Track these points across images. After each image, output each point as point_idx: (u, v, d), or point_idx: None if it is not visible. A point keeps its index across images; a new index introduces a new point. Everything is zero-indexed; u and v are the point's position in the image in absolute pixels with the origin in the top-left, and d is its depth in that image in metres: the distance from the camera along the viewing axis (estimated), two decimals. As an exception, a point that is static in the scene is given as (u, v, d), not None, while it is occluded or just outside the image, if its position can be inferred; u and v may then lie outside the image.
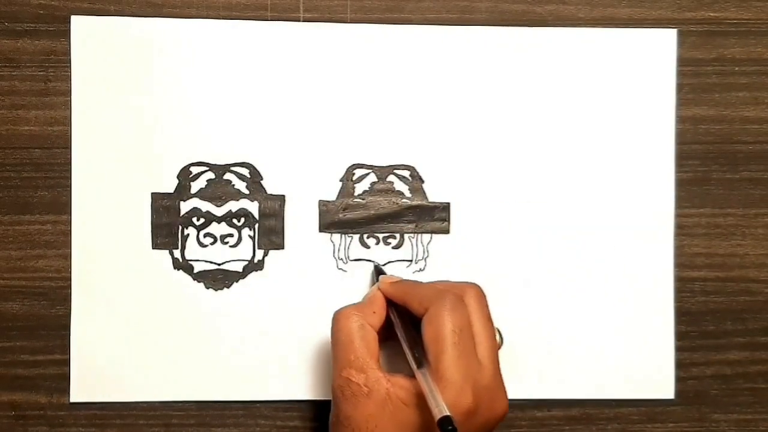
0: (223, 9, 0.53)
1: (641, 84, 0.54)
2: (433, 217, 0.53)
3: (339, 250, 0.53)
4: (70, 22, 0.52)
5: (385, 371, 0.46)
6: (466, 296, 0.47)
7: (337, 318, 0.47)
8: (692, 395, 0.54)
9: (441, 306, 0.45)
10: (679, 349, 0.54)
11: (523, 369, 0.53)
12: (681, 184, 0.54)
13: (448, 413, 0.41)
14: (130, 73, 0.52)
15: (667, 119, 0.54)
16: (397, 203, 0.54)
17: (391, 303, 0.49)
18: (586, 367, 0.54)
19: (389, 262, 0.53)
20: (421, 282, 0.50)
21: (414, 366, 0.45)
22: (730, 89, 0.54)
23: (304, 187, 0.53)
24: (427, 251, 0.53)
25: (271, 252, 0.53)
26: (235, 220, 0.53)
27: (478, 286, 0.48)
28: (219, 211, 0.53)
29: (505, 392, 0.47)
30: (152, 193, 0.53)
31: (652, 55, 0.54)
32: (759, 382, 0.55)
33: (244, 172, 0.53)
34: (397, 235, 0.53)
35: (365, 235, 0.53)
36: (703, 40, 0.54)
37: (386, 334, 0.48)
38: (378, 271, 0.52)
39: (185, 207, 0.53)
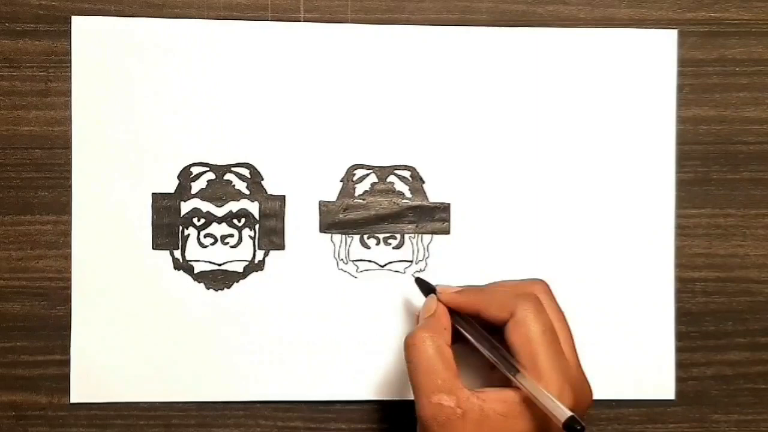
0: (223, 9, 0.53)
1: (642, 85, 0.54)
2: (433, 217, 0.53)
3: (339, 250, 0.53)
4: (70, 22, 0.52)
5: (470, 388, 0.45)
6: (540, 295, 0.47)
7: (412, 344, 0.46)
8: (693, 396, 0.54)
9: (526, 310, 0.45)
10: (679, 350, 0.54)
11: (523, 369, 0.53)
12: (681, 185, 0.54)
13: (571, 413, 0.41)
14: (130, 73, 0.52)
15: (667, 120, 0.54)
16: (398, 204, 0.54)
17: (452, 313, 0.48)
18: (586, 367, 0.54)
19: (389, 263, 0.53)
20: (484, 287, 0.49)
21: (509, 374, 0.44)
22: (731, 90, 0.54)
23: (304, 188, 0.53)
24: (428, 252, 0.53)
25: (272, 252, 0.53)
26: (235, 221, 0.53)
27: (545, 282, 0.48)
28: (219, 212, 0.53)
29: (588, 382, 0.47)
30: (152, 194, 0.53)
31: (653, 55, 0.54)
32: (759, 383, 0.55)
33: (245, 172, 0.53)
34: (398, 236, 0.53)
35: (366, 236, 0.53)
36: (703, 40, 0.54)
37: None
38: (421, 283, 0.51)
39: (186, 207, 0.53)
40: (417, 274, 0.53)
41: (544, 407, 0.42)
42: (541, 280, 0.49)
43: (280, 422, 0.53)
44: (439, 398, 0.44)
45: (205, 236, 0.53)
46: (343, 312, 0.53)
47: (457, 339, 0.47)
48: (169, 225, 0.53)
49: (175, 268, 0.53)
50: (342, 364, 0.53)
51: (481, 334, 0.47)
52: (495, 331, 0.47)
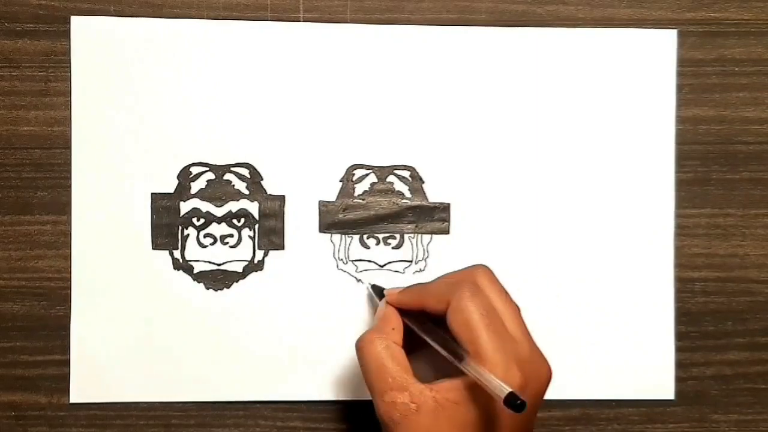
0: (223, 9, 0.53)
1: (641, 84, 0.54)
2: (433, 217, 0.53)
3: (339, 250, 0.53)
4: (69, 22, 0.52)
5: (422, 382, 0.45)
6: (478, 280, 0.47)
7: (361, 346, 0.47)
8: (692, 396, 0.54)
9: (461, 295, 0.45)
10: (679, 350, 0.54)
11: (523, 369, 0.53)
12: (681, 185, 0.54)
13: (511, 389, 0.41)
14: (130, 73, 0.52)
15: (667, 120, 0.54)
16: (397, 204, 0.54)
17: (403, 313, 0.48)
18: (586, 367, 0.54)
19: (389, 263, 0.53)
20: (427, 282, 0.50)
21: (456, 361, 0.44)
22: (731, 90, 0.54)
23: (304, 188, 0.53)
24: (427, 251, 0.53)
25: (271, 252, 0.53)
26: (235, 221, 0.53)
27: (485, 266, 0.48)
28: (219, 212, 0.53)
29: (544, 358, 0.46)
30: (152, 194, 0.53)
31: (653, 55, 0.54)
32: (759, 383, 0.55)
33: (244, 172, 0.53)
34: (397, 236, 0.53)
35: (365, 236, 0.53)
36: (703, 40, 0.54)
37: (406, 348, 0.47)
38: (375, 289, 0.52)
39: (185, 207, 0.53)
40: (372, 282, 0.53)
41: (485, 386, 0.42)
42: (481, 264, 0.48)
43: (279, 422, 0.53)
44: (392, 396, 0.44)
45: (204, 236, 0.53)
46: (342, 312, 0.53)
47: (413, 338, 0.48)
48: (168, 225, 0.53)
49: (174, 268, 0.53)
50: (342, 364, 0.53)
51: (428, 328, 0.47)
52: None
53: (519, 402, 0.40)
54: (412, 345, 0.47)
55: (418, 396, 0.44)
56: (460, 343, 0.45)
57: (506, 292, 0.47)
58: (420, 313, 0.48)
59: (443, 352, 0.45)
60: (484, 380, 0.42)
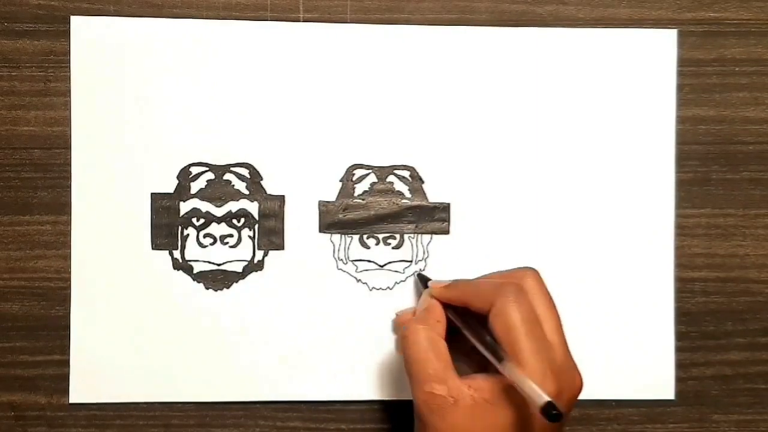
0: (223, 9, 0.53)
1: (641, 84, 0.54)
2: (433, 217, 0.53)
3: (339, 250, 0.53)
4: (69, 22, 0.52)
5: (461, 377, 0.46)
6: (524, 283, 0.47)
7: (406, 335, 0.47)
8: (692, 396, 0.54)
9: (505, 299, 0.45)
10: (679, 350, 0.54)
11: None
12: (681, 185, 0.54)
13: (549, 398, 0.41)
14: (130, 73, 0.52)
15: (667, 120, 0.54)
16: (397, 204, 0.53)
17: (447, 307, 0.49)
18: (585, 367, 0.54)
19: (389, 263, 0.53)
20: (473, 279, 0.50)
21: (495, 362, 0.44)
22: (731, 89, 0.54)
23: (304, 188, 0.53)
24: (427, 252, 0.53)
25: (271, 252, 0.53)
26: (234, 221, 0.53)
27: (534, 270, 0.48)
28: (219, 212, 0.53)
29: (577, 367, 0.47)
30: (152, 194, 0.53)
31: (653, 55, 0.54)
32: (759, 383, 0.55)
33: (244, 172, 0.53)
34: (397, 236, 0.53)
35: (365, 236, 0.53)
36: (703, 40, 0.54)
37: (446, 338, 0.48)
38: (422, 279, 0.53)
39: (185, 207, 0.53)
40: (420, 271, 0.53)
41: (523, 392, 0.43)
42: (531, 268, 0.49)
43: (279, 422, 0.53)
44: (431, 387, 0.45)
45: (204, 236, 0.53)
46: (342, 312, 0.53)
47: (455, 332, 0.48)
48: (168, 225, 0.53)
49: (174, 268, 0.53)
50: (342, 364, 0.53)
51: (471, 325, 0.47)
52: None
53: (555, 412, 0.41)
54: (450, 335, 0.48)
55: (456, 391, 0.45)
56: (501, 345, 0.45)
57: (551, 298, 0.48)
58: (463, 308, 0.48)
59: (484, 352, 0.45)
60: (523, 386, 0.43)
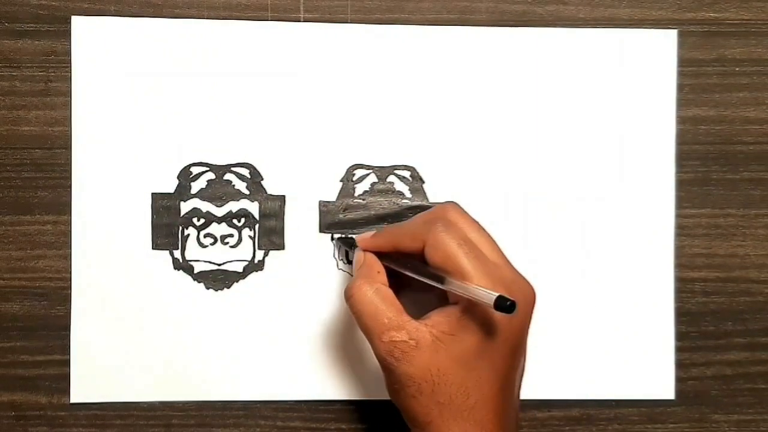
0: (223, 9, 0.53)
1: (642, 84, 0.54)
2: (433, 217, 0.53)
3: (339, 250, 0.53)
4: (70, 22, 0.52)
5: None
6: (448, 215, 0.48)
7: (351, 293, 0.47)
8: (692, 396, 0.54)
9: (436, 232, 0.46)
10: (679, 350, 0.54)
11: (523, 369, 0.53)
12: (681, 185, 0.54)
13: (498, 293, 0.42)
14: (130, 73, 0.52)
15: (667, 120, 0.54)
16: (398, 204, 0.54)
17: (379, 256, 0.49)
18: (586, 367, 0.54)
19: (389, 263, 0.53)
20: (397, 224, 0.51)
21: (439, 284, 0.45)
22: (731, 90, 0.54)
23: (304, 188, 0.53)
24: (428, 251, 0.53)
25: (272, 252, 0.53)
26: (235, 221, 0.53)
27: (454, 202, 0.49)
28: (219, 212, 0.53)
29: (527, 280, 0.47)
30: (152, 194, 0.53)
31: (653, 55, 0.54)
32: (759, 383, 0.55)
33: (245, 172, 0.53)
34: (398, 236, 0.53)
35: (365, 236, 0.53)
36: (703, 40, 0.54)
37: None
38: (343, 241, 0.53)
39: (185, 207, 0.53)
40: (337, 236, 0.53)
41: (473, 298, 0.43)
42: (449, 201, 0.50)
43: (280, 422, 0.53)
44: (390, 335, 0.45)
45: (204, 236, 0.53)
46: (342, 312, 0.53)
47: (393, 278, 0.48)
48: (168, 225, 0.53)
49: (174, 268, 0.53)
50: (342, 364, 0.53)
51: (405, 263, 0.48)
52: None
53: (509, 303, 0.41)
54: (393, 289, 0.48)
55: (416, 332, 0.45)
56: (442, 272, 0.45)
57: (478, 223, 0.48)
58: (394, 253, 0.48)
59: (426, 280, 0.46)
60: (470, 293, 0.43)
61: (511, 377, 0.46)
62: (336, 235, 0.53)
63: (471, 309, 0.45)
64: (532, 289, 0.47)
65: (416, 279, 0.47)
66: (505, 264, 0.47)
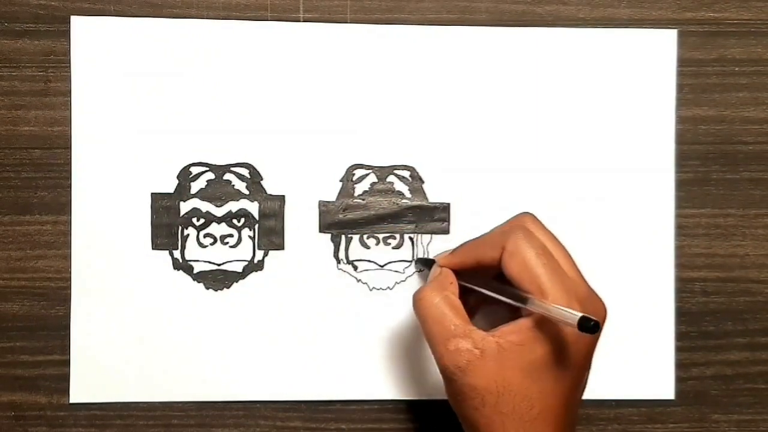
0: (223, 9, 0.53)
1: (641, 84, 0.54)
2: (433, 217, 0.53)
3: (339, 250, 0.53)
4: (70, 22, 0.52)
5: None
6: (527, 225, 0.47)
7: (419, 298, 0.47)
8: (692, 396, 0.54)
9: (515, 239, 0.46)
10: (679, 350, 0.54)
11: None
12: (681, 185, 0.54)
13: (581, 313, 0.42)
14: (130, 73, 0.52)
15: (667, 119, 0.54)
16: (397, 203, 0.54)
17: (457, 275, 0.49)
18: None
19: (389, 263, 0.53)
20: (473, 238, 0.50)
21: (519, 304, 0.45)
22: (731, 90, 0.54)
23: (304, 188, 0.53)
24: (427, 251, 0.53)
25: (271, 252, 0.53)
26: (235, 221, 0.53)
27: (531, 213, 0.49)
28: (219, 212, 0.53)
29: (598, 296, 0.47)
30: (152, 194, 0.53)
31: (653, 55, 0.54)
32: (759, 383, 0.55)
33: (244, 172, 0.53)
34: (397, 236, 0.53)
35: (365, 236, 0.53)
36: (703, 40, 0.54)
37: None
38: (423, 262, 0.53)
39: (185, 207, 0.53)
40: (419, 257, 0.53)
41: (555, 319, 0.43)
42: (526, 212, 0.49)
43: (279, 422, 0.53)
44: (456, 343, 0.45)
45: (204, 236, 0.53)
46: (342, 312, 0.53)
47: (467, 298, 0.48)
48: (168, 225, 0.53)
49: (174, 268, 0.53)
50: (342, 364, 0.53)
51: (484, 280, 0.47)
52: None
53: (593, 323, 0.41)
54: (466, 309, 0.47)
55: (482, 342, 0.44)
56: (519, 287, 0.45)
57: (555, 236, 0.48)
58: (471, 272, 0.48)
59: (505, 299, 0.45)
60: (552, 313, 0.43)
61: (575, 392, 0.46)
62: (417, 257, 0.53)
63: (542, 322, 0.44)
64: (604, 306, 0.47)
65: (490, 299, 0.47)
66: (580, 279, 0.47)
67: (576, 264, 0.47)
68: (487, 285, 0.47)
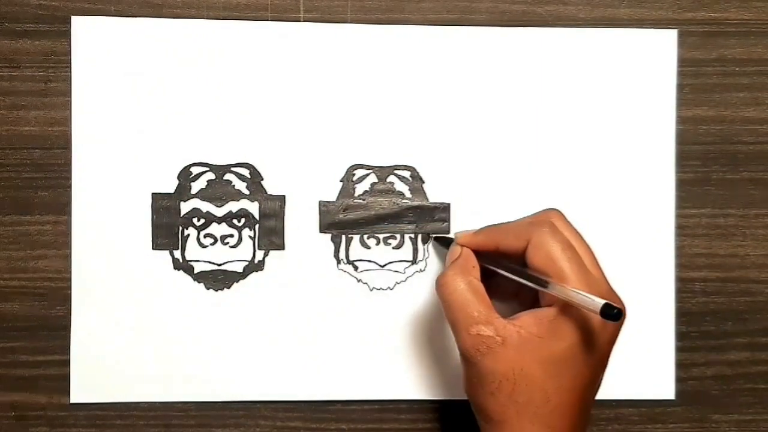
0: (223, 9, 0.53)
1: (642, 84, 0.54)
2: (433, 217, 0.53)
3: (339, 250, 0.53)
4: (70, 22, 0.52)
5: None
6: (554, 221, 0.48)
7: (443, 282, 0.47)
8: (693, 396, 0.54)
9: (542, 232, 0.46)
10: (679, 350, 0.54)
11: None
12: (681, 185, 0.54)
13: (605, 300, 0.42)
14: (130, 73, 0.52)
15: (667, 120, 0.54)
16: (398, 204, 0.54)
17: (477, 254, 0.49)
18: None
19: (390, 263, 0.53)
20: (501, 223, 0.50)
21: (541, 288, 0.45)
22: (731, 90, 0.54)
23: (304, 188, 0.53)
24: (427, 252, 0.53)
25: (272, 252, 0.53)
26: (235, 221, 0.53)
27: (558, 210, 0.49)
28: (219, 212, 0.53)
29: (619, 296, 0.47)
30: (152, 194, 0.53)
31: (653, 55, 0.54)
32: (759, 383, 0.55)
33: (245, 172, 0.53)
34: (398, 236, 0.53)
35: (365, 236, 0.53)
36: (703, 40, 0.54)
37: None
38: (440, 240, 0.53)
39: (185, 207, 0.53)
40: (435, 235, 0.53)
41: (577, 304, 0.43)
42: (554, 208, 0.49)
43: (279, 422, 0.53)
44: (478, 329, 0.45)
45: (204, 236, 0.53)
46: (342, 312, 0.53)
47: (485, 281, 0.48)
48: (168, 225, 0.53)
49: (175, 268, 0.53)
50: (342, 364, 0.53)
51: (506, 264, 0.48)
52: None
53: (616, 311, 0.41)
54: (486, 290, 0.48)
55: (503, 330, 0.45)
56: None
57: (580, 234, 0.48)
58: (491, 255, 0.48)
59: (527, 282, 0.46)
60: (574, 298, 0.43)
61: (591, 389, 0.46)
62: (434, 236, 0.53)
63: (563, 315, 0.45)
64: (624, 306, 0.47)
65: (508, 284, 0.47)
66: (602, 277, 0.47)
67: (599, 263, 0.47)
68: (507, 267, 0.47)
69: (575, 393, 0.45)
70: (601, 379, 0.47)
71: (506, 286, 0.49)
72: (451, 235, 0.52)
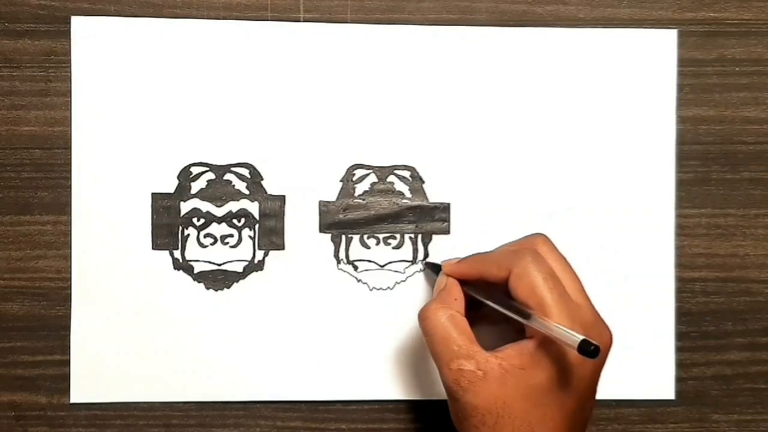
0: (223, 9, 0.53)
1: (642, 84, 0.54)
2: (433, 217, 0.53)
3: (339, 250, 0.53)
4: (70, 22, 0.52)
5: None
6: (538, 248, 0.48)
7: (425, 316, 0.47)
8: (693, 396, 0.54)
9: (524, 261, 0.46)
10: (679, 350, 0.54)
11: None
12: (681, 185, 0.54)
13: (582, 336, 0.42)
14: (130, 73, 0.52)
15: (667, 119, 0.54)
16: (398, 204, 0.54)
17: (463, 283, 0.49)
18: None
19: (389, 263, 0.53)
20: (485, 252, 0.51)
21: (522, 320, 0.45)
22: (731, 90, 0.54)
23: (304, 188, 0.53)
24: (428, 252, 0.53)
25: (272, 252, 0.53)
26: (235, 221, 0.53)
27: (543, 235, 0.49)
28: (219, 212, 0.53)
29: (605, 323, 0.47)
30: (152, 194, 0.53)
31: (653, 55, 0.54)
32: (759, 383, 0.55)
33: (245, 172, 0.53)
34: (398, 236, 0.53)
35: (365, 236, 0.53)
36: (703, 40, 0.54)
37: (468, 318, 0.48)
38: (431, 266, 0.53)
39: (185, 207, 0.53)
40: (426, 260, 0.53)
41: (556, 338, 0.43)
42: (539, 233, 0.50)
43: (279, 422, 0.53)
44: (459, 363, 0.45)
45: (204, 236, 0.53)
46: (342, 312, 0.53)
47: (473, 309, 0.48)
48: (168, 225, 0.53)
49: (174, 268, 0.53)
50: (342, 364, 0.53)
51: (490, 294, 0.48)
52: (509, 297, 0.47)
53: (593, 348, 0.41)
54: (470, 319, 0.48)
55: (484, 363, 0.45)
56: (525, 306, 0.45)
57: (566, 260, 0.48)
58: (478, 283, 0.48)
59: (509, 313, 0.46)
60: (553, 332, 0.43)
61: (579, 419, 0.46)
62: (424, 261, 0.53)
63: (545, 345, 0.45)
64: (610, 334, 0.47)
65: (493, 312, 0.47)
66: (587, 305, 0.47)
67: (584, 290, 0.47)
68: (491, 297, 0.47)
69: (561, 423, 0.45)
70: (591, 407, 0.47)
71: (496, 312, 0.48)
72: (440, 262, 0.52)
